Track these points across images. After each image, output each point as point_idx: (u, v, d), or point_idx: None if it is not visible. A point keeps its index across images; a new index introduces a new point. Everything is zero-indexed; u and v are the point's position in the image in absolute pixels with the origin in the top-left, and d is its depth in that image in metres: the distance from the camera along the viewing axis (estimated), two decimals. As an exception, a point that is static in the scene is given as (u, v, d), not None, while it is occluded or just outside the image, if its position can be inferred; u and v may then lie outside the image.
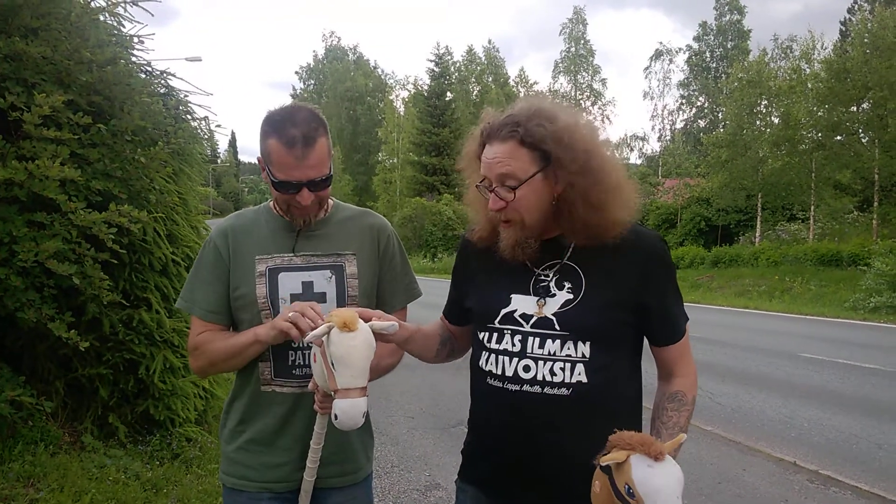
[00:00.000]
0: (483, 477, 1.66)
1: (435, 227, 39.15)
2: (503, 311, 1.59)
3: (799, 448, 5.49)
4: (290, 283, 1.74)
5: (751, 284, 21.88)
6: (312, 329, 1.49)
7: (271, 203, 1.83)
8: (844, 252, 21.40)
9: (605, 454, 1.29)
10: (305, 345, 1.68)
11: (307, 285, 1.75)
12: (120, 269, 3.85)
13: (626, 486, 1.25)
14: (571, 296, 1.54)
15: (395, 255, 1.90)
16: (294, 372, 1.75)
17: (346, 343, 1.43)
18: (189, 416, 4.44)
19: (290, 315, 1.55)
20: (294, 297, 1.72)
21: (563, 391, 1.50)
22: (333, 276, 1.77)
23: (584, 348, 1.51)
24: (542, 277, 1.57)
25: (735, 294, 21.25)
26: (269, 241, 1.77)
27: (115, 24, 4.16)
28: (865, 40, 22.57)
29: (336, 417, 1.43)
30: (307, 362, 1.74)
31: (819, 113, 24.08)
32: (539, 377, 1.51)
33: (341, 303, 1.75)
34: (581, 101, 53.97)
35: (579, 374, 1.51)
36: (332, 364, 1.43)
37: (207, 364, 1.78)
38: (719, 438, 5.70)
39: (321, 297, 1.74)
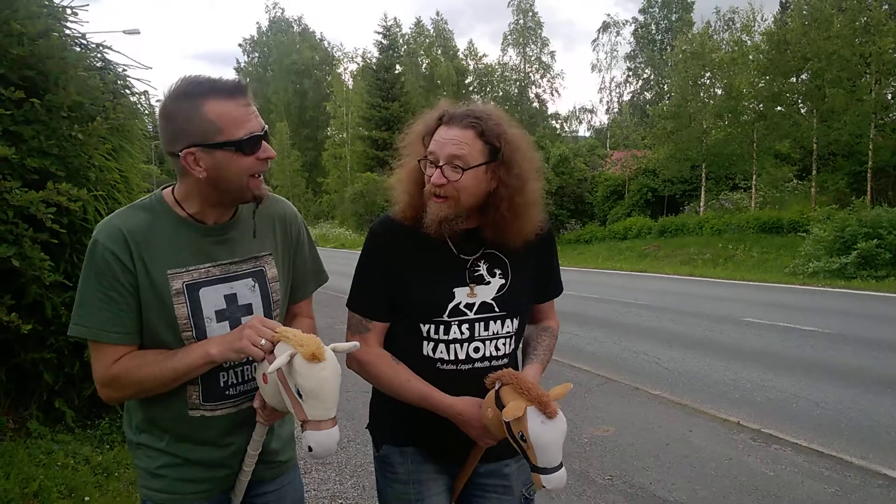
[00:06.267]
0: (427, 439, 1.82)
1: (387, 202, 38.14)
2: (450, 305, 1.74)
3: (742, 408, 5.70)
4: (212, 298, 1.56)
5: (696, 253, 22.49)
6: (270, 346, 1.43)
7: (166, 195, 1.59)
8: (785, 219, 22.14)
9: (498, 388, 1.57)
10: (238, 363, 1.61)
11: (230, 298, 1.59)
12: (60, 249, 3.74)
13: (520, 433, 1.49)
14: (504, 280, 1.78)
15: (304, 244, 1.81)
16: (227, 393, 1.61)
17: (317, 375, 1.37)
18: (139, 398, 4.36)
19: (246, 333, 1.45)
20: (219, 314, 1.57)
21: (504, 361, 1.78)
22: (256, 284, 1.64)
23: (516, 323, 1.81)
24: (475, 267, 1.76)
25: (681, 262, 21.81)
26: (179, 251, 1.54)
27: (46, -6, 3.98)
28: (804, 12, 23.12)
29: (311, 450, 1.39)
30: (241, 380, 1.63)
31: (760, 84, 24.67)
32: (487, 354, 1.77)
33: (267, 311, 1.65)
34: (530, 74, 54.14)
35: (511, 345, 1.81)
36: (300, 394, 1.38)
37: (135, 392, 1.55)
38: (666, 402, 5.88)
39: (247, 310, 1.61)
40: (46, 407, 4.05)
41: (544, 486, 1.51)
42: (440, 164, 1.64)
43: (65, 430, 3.99)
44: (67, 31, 4.09)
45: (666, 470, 4.34)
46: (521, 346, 1.89)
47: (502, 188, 1.67)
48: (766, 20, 27.59)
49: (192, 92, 1.46)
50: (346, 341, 1.69)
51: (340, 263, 9.00)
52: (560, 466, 1.50)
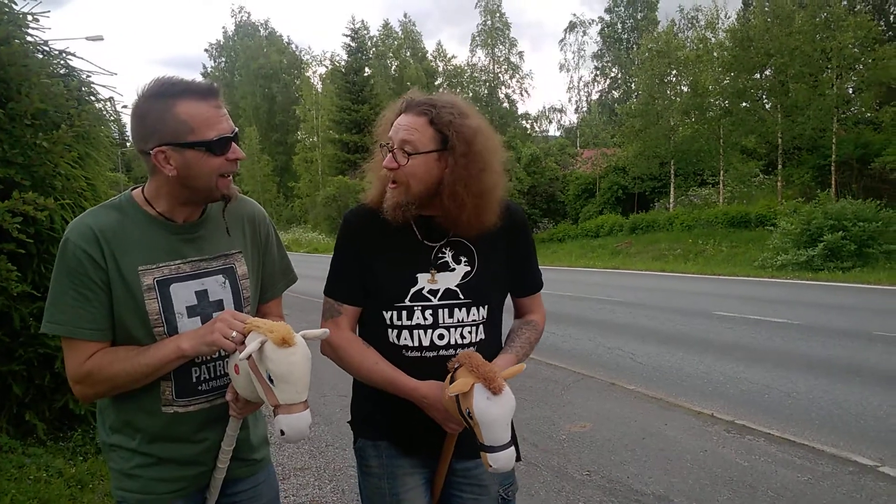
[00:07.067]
0: (399, 430, 1.82)
1: (359, 205, 38.68)
2: (412, 290, 1.75)
3: (716, 401, 5.79)
4: (183, 294, 1.58)
5: (667, 248, 22.77)
6: (241, 338, 1.45)
7: (136, 195, 1.61)
8: (752, 214, 22.51)
9: (457, 367, 1.58)
10: (209, 358, 1.62)
11: (201, 294, 1.61)
12: (28, 259, 3.67)
13: (467, 410, 1.51)
14: (469, 268, 1.78)
15: (273, 244, 1.83)
16: (200, 388, 1.63)
17: (287, 360, 1.39)
18: (112, 409, 4.29)
19: (217, 326, 1.47)
20: (190, 310, 1.59)
21: (471, 350, 1.73)
22: (227, 281, 1.66)
23: (483, 311, 1.80)
24: (440, 255, 1.78)
25: (652, 258, 22.06)
26: (149, 248, 1.56)
27: (6, 0, 3.90)
28: (766, 9, 23.54)
29: (283, 433, 1.40)
30: (213, 375, 1.65)
31: (725, 81, 25.05)
32: (452, 342, 1.76)
33: (238, 307, 1.66)
34: (500, 75, 54.30)
35: (480, 333, 1.80)
36: (271, 380, 1.40)
37: (108, 389, 1.55)
38: (641, 396, 5.95)
39: (218, 306, 1.63)
40: (17, 420, 3.97)
41: (491, 466, 1.50)
42: (393, 148, 1.68)
43: (36, 442, 3.91)
44: (29, 38, 4.01)
45: (643, 463, 4.39)
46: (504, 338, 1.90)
47: (448, 177, 1.67)
48: (729, 17, 28.10)
49: (165, 92, 1.49)
50: (320, 326, 1.72)
51: (313, 268, 8.99)
52: (508, 446, 1.50)
